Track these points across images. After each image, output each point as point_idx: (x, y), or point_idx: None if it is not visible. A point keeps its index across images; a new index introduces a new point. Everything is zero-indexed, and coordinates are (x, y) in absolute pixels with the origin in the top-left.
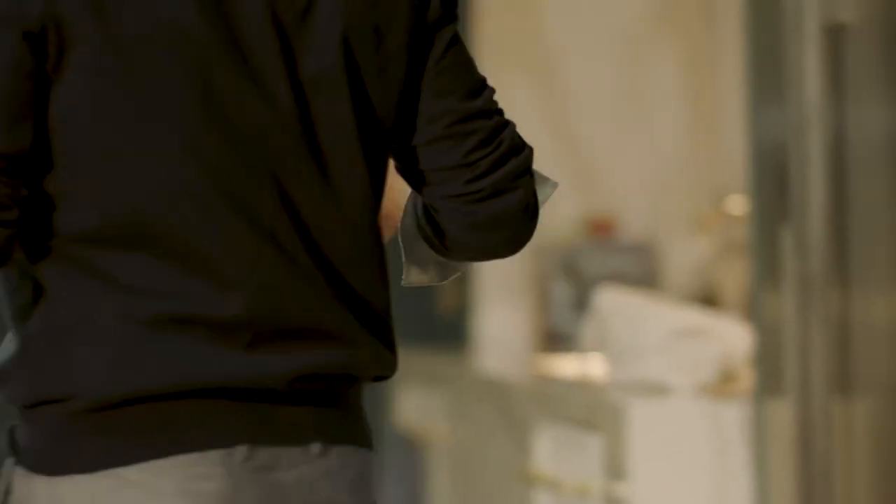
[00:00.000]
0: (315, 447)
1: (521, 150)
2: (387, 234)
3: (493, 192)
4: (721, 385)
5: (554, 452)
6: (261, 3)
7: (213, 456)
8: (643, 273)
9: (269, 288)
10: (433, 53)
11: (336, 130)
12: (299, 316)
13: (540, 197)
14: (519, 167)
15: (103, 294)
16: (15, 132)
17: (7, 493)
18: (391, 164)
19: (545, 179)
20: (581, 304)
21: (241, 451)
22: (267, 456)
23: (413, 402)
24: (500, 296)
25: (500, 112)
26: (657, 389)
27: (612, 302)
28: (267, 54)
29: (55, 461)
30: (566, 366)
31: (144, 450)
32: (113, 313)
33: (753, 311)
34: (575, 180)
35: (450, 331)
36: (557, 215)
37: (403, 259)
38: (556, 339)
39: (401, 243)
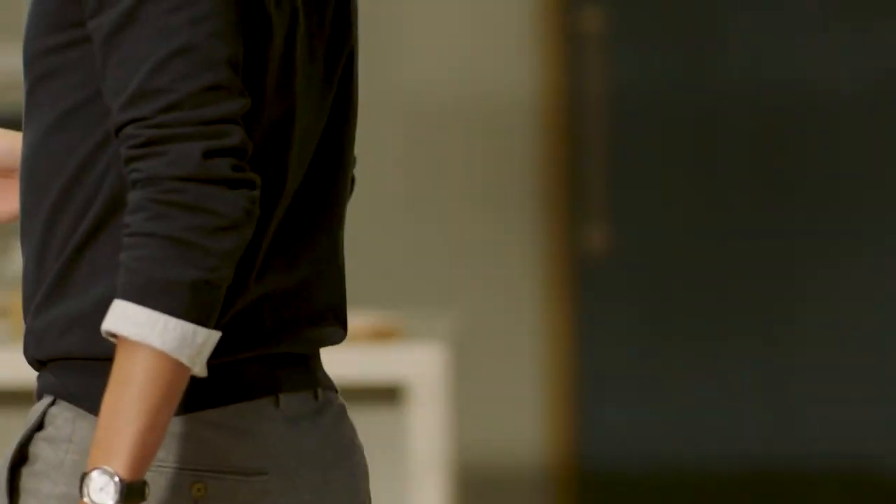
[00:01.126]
0: (319, 391)
1: None
2: None
3: None
4: None
5: None
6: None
7: (265, 402)
8: None
9: (322, 272)
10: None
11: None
12: (333, 295)
13: None
14: None
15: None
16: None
17: (38, 428)
18: None
19: None
20: None
21: (282, 399)
22: (296, 404)
23: None
24: None
25: None
26: None
27: None
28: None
29: None
30: None
31: (220, 397)
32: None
33: None
34: None
35: None
36: None
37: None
38: None
39: None
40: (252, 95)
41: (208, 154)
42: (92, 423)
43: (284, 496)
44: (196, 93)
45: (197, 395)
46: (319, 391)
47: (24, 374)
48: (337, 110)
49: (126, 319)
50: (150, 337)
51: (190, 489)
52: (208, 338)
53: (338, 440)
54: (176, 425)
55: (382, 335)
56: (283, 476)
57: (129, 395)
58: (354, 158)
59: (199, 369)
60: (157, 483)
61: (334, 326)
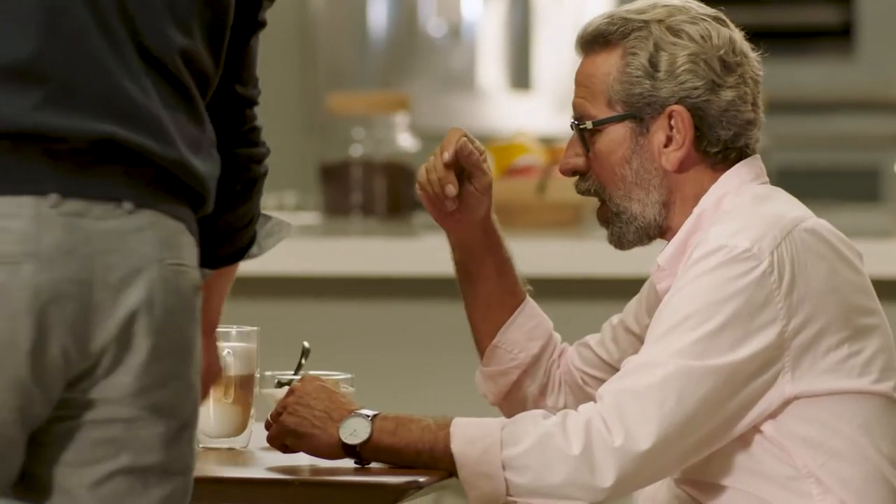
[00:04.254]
0: (127, 205)
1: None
2: None
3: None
4: None
5: None
6: None
7: (24, 200)
8: None
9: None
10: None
11: None
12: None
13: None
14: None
15: None
16: None
17: None
18: None
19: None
20: None
21: (52, 198)
22: (78, 205)
23: None
24: None
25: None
26: None
27: None
28: None
29: None
30: None
31: None
32: None
33: None
34: None
35: None
36: None
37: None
38: None
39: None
40: None
41: None
42: None
43: (40, 278)
44: None
45: None
46: (127, 204)
47: None
48: None
49: None
50: None
51: None
52: None
53: (138, 251)
54: None
55: None
56: (40, 263)
57: None
58: None
59: None
60: None
61: (108, 125)
